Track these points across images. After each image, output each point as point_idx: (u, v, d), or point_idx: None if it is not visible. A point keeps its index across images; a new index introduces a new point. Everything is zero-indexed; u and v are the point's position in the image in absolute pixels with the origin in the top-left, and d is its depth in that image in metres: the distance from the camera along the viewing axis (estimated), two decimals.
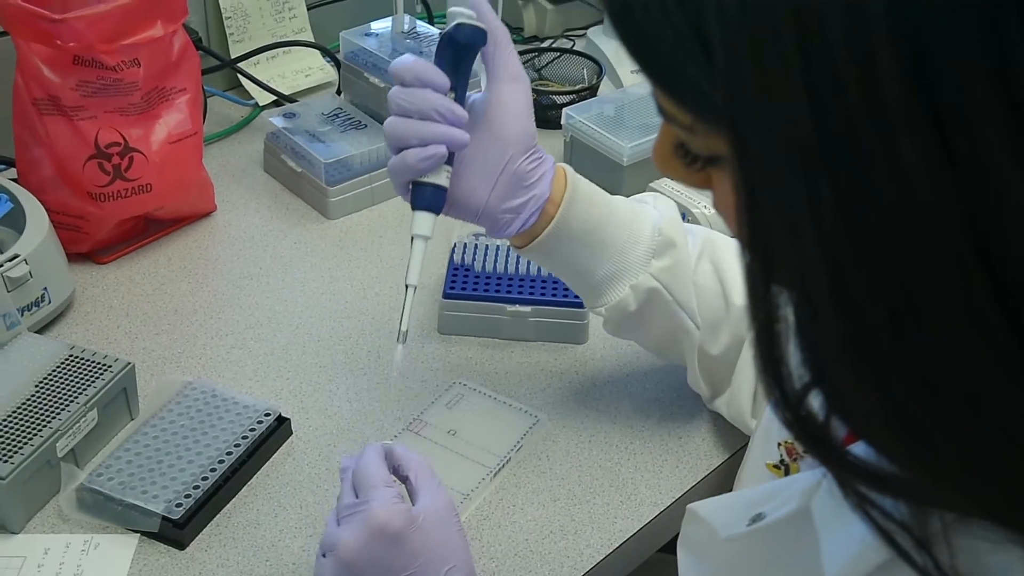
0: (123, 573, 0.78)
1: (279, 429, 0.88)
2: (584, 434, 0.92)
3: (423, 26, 1.23)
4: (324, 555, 0.68)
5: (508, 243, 0.85)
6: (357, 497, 0.69)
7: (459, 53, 0.76)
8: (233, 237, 1.14)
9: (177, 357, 0.98)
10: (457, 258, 1.03)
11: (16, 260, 0.94)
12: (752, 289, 0.42)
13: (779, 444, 0.66)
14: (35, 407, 0.82)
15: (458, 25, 0.75)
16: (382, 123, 1.18)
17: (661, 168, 0.50)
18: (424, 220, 0.77)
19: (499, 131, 0.77)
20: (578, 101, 1.30)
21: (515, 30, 1.54)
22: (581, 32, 1.55)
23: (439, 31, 0.95)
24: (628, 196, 0.87)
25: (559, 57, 1.44)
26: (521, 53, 1.27)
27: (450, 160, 0.76)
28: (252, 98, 1.34)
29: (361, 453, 0.72)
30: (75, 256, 1.06)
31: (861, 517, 0.43)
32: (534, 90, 1.32)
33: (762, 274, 0.42)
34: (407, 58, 0.75)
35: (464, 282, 1.01)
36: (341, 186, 1.15)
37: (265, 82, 1.33)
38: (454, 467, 0.86)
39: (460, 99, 0.76)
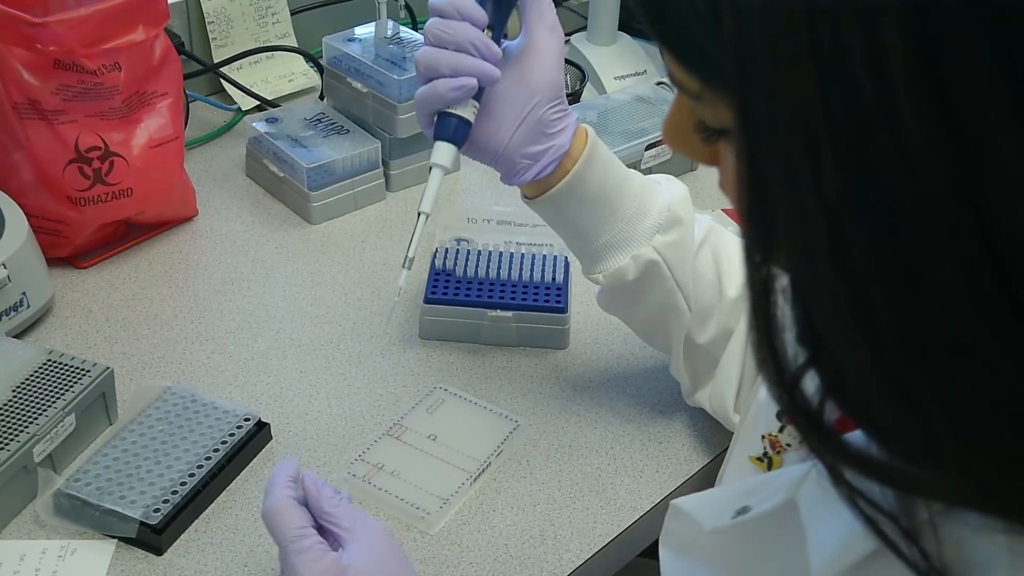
0: None
1: (259, 434, 0.88)
2: (564, 439, 0.92)
3: (407, 32, 1.23)
4: None
5: (519, 191, 0.85)
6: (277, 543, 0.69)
7: None
8: (215, 242, 1.13)
9: (157, 362, 0.97)
10: (439, 263, 1.03)
11: None
12: (749, 258, 0.43)
13: (763, 437, 0.66)
14: (12, 412, 0.82)
15: None
16: (365, 128, 1.20)
17: (670, 141, 0.52)
18: (445, 151, 0.78)
19: (529, 75, 0.79)
20: None
21: None
22: (565, 39, 1.54)
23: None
24: None
25: None
26: None
27: (478, 97, 0.77)
28: (235, 103, 1.33)
29: (269, 483, 0.71)
30: (55, 261, 1.06)
31: (849, 507, 0.43)
32: None
33: (760, 243, 0.42)
34: None
35: (446, 287, 1.01)
36: (323, 191, 1.15)
37: (248, 87, 1.33)
38: (434, 472, 0.86)
39: (496, 39, 0.78)
